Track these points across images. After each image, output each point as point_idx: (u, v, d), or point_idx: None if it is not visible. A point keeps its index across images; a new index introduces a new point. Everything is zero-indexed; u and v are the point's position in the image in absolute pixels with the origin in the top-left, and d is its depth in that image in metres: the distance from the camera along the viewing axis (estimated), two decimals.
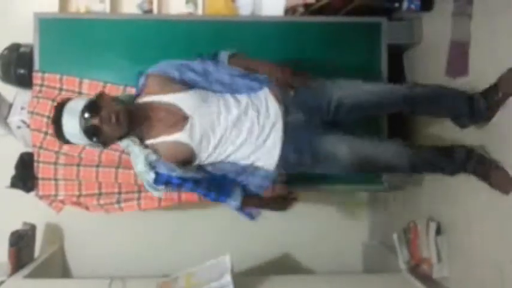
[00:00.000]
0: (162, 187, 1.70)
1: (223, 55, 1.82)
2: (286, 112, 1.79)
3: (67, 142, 1.61)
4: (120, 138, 1.67)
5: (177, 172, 1.66)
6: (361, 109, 1.84)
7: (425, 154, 1.87)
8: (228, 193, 1.76)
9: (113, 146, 2.30)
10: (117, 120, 1.56)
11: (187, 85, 1.74)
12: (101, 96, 1.64)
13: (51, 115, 1.62)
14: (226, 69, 1.80)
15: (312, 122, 1.80)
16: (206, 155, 1.73)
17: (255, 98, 1.78)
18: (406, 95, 1.85)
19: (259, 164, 1.78)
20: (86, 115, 1.53)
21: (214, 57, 1.83)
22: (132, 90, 2.34)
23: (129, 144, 1.68)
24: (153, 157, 1.65)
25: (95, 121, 1.54)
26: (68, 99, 1.62)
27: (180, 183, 1.69)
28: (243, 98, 1.77)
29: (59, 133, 1.57)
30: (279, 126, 1.75)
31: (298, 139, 1.77)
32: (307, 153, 1.77)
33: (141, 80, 1.76)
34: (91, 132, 1.55)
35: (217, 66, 1.79)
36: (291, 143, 1.76)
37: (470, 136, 1.97)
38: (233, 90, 1.78)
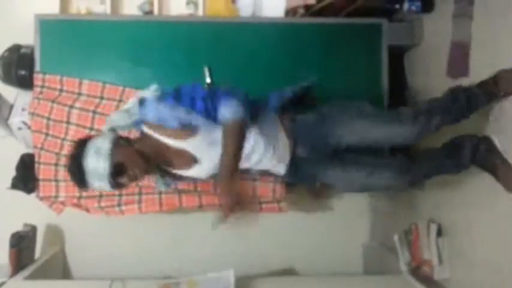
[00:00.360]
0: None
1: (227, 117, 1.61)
2: (295, 145, 1.86)
3: (82, 184, 1.59)
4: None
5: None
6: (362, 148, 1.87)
7: (426, 169, 1.88)
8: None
9: None
10: (140, 176, 1.63)
11: (191, 127, 1.64)
12: (119, 146, 1.61)
13: (70, 157, 1.60)
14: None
15: (314, 154, 1.87)
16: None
17: (265, 129, 1.78)
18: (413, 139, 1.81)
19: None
20: (115, 178, 1.58)
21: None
22: (131, 92, 2.35)
23: None
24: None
25: (124, 180, 1.61)
26: (89, 137, 1.64)
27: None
28: (251, 136, 1.72)
29: (76, 174, 1.57)
30: (287, 157, 1.86)
31: (301, 171, 1.88)
32: (310, 181, 1.96)
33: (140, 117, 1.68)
34: (116, 182, 1.61)
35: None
36: (295, 173, 1.89)
37: (480, 130, 1.95)
38: None
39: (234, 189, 1.52)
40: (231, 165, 1.54)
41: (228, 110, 1.54)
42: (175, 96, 1.59)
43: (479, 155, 1.82)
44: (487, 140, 1.84)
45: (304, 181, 2.02)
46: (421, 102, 1.96)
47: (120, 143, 1.63)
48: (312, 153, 1.86)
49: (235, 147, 1.56)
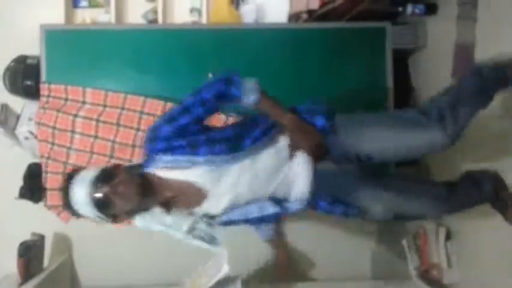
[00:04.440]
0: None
1: (248, 98, 1.44)
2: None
3: (76, 215, 1.43)
4: (135, 212, 1.47)
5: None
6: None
7: (457, 204, 1.75)
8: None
9: (120, 154, 2.35)
10: (129, 190, 1.38)
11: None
12: (115, 166, 1.46)
13: (61, 184, 1.45)
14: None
15: (342, 171, 1.64)
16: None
17: (277, 150, 1.52)
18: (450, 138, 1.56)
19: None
20: (97, 183, 1.36)
21: (227, 98, 1.46)
22: (133, 99, 2.36)
23: (150, 220, 1.53)
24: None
25: (105, 189, 1.36)
26: (79, 169, 1.45)
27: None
28: (262, 157, 1.49)
29: (67, 203, 1.41)
30: (307, 175, 1.52)
31: (326, 189, 1.60)
32: (342, 202, 1.63)
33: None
34: (100, 203, 1.36)
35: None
36: (322, 190, 1.58)
37: (487, 160, 1.94)
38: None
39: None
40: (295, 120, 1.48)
41: (248, 98, 1.43)
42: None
43: (495, 192, 1.77)
44: (499, 179, 1.80)
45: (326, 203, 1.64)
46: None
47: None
48: (339, 165, 1.62)
49: (279, 108, 1.48)
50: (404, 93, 2.54)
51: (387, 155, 1.58)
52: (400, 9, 2.41)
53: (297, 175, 1.52)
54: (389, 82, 2.41)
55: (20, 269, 2.38)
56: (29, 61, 2.50)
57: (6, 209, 2.66)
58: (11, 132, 2.53)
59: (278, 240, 1.90)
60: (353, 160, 1.59)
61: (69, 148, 2.35)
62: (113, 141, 2.36)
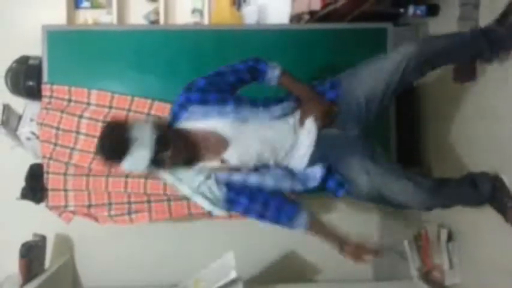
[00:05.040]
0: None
1: (273, 72, 1.70)
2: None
3: (116, 164, 1.51)
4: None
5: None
6: (389, 92, 1.74)
7: (445, 199, 1.77)
8: (288, 213, 1.72)
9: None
10: (179, 157, 1.54)
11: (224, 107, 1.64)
12: (162, 125, 1.56)
13: (115, 137, 1.50)
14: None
15: (344, 138, 1.73)
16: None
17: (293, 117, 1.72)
18: (427, 58, 1.72)
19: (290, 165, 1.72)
20: (158, 148, 1.47)
21: (255, 72, 1.70)
22: (140, 101, 2.37)
23: (170, 173, 1.63)
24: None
25: (167, 154, 1.49)
26: (125, 122, 1.54)
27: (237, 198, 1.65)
28: (282, 123, 1.69)
29: (116, 158, 1.48)
30: (312, 140, 1.69)
31: (325, 154, 1.70)
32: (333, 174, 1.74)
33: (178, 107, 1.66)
34: (156, 163, 1.50)
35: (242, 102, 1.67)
36: (317, 156, 1.70)
37: (488, 163, 1.92)
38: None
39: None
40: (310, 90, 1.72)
41: (271, 72, 1.69)
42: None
43: (494, 193, 1.77)
44: (499, 180, 1.79)
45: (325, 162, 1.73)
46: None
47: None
48: (342, 129, 1.73)
49: (301, 85, 1.72)
50: (406, 94, 2.54)
51: (377, 89, 1.71)
52: (402, 10, 2.41)
53: (302, 142, 1.68)
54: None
55: (22, 270, 2.38)
56: (30, 62, 2.51)
57: (8, 210, 2.67)
58: (13, 132, 2.53)
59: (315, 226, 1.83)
60: (359, 115, 1.72)
61: (73, 149, 2.35)
62: None
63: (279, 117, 1.69)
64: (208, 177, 1.62)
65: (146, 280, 2.81)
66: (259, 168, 1.67)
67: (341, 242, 1.78)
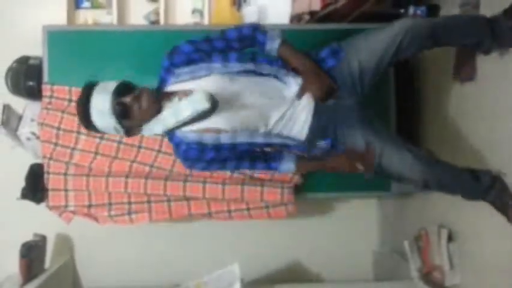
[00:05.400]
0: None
1: (272, 43, 1.60)
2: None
3: (90, 127, 1.53)
4: (149, 120, 1.56)
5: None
6: (384, 63, 1.72)
7: (444, 176, 1.75)
8: (276, 158, 1.69)
9: (124, 155, 2.36)
10: (148, 102, 1.50)
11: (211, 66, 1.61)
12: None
13: (78, 97, 1.53)
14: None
15: (341, 107, 1.69)
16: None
17: (288, 85, 1.66)
18: (426, 32, 1.68)
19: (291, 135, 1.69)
20: (118, 93, 1.48)
21: (251, 41, 1.62)
22: None
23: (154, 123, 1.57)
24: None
25: (127, 99, 1.49)
26: (95, 82, 1.55)
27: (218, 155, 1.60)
28: (275, 82, 1.64)
29: (85, 113, 1.49)
30: (309, 113, 1.65)
31: (322, 125, 1.68)
32: (329, 141, 1.71)
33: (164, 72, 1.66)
34: (120, 111, 1.48)
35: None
36: (315, 127, 1.67)
37: (490, 161, 1.91)
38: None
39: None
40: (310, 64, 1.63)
41: (271, 43, 1.59)
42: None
43: (494, 190, 1.76)
44: (500, 179, 1.79)
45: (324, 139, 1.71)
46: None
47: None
48: (338, 100, 1.68)
49: (298, 54, 1.63)
50: (407, 94, 2.54)
51: (371, 61, 1.68)
52: (402, 10, 2.41)
53: (298, 117, 1.64)
54: (391, 83, 2.41)
55: (22, 270, 2.38)
56: (31, 62, 2.51)
57: (8, 210, 2.68)
58: (13, 133, 2.54)
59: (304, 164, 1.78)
60: (352, 85, 1.69)
61: (73, 149, 2.36)
62: (119, 142, 2.37)
63: (272, 76, 1.63)
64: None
65: (146, 280, 2.81)
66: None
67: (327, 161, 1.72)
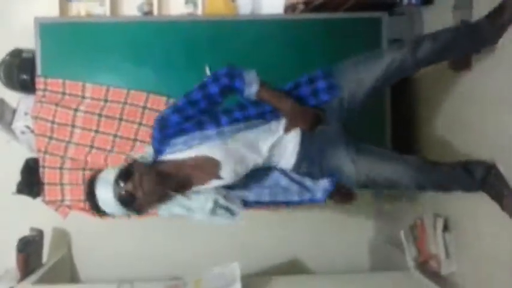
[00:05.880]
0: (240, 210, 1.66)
1: (250, 89, 1.59)
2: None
3: (104, 214, 1.54)
4: (157, 201, 1.58)
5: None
6: (372, 94, 1.75)
7: (437, 177, 1.77)
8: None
9: (120, 148, 2.35)
10: (149, 182, 1.49)
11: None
12: (133, 163, 1.57)
13: (85, 191, 1.54)
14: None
15: (327, 132, 1.73)
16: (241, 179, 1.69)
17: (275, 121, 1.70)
18: (414, 61, 1.73)
19: (279, 166, 1.74)
20: (119, 182, 1.48)
21: (230, 90, 1.61)
22: (135, 94, 2.36)
23: (171, 206, 1.61)
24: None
25: (128, 187, 1.47)
26: (98, 171, 1.55)
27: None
28: (264, 127, 1.68)
29: (94, 206, 1.51)
30: (297, 140, 1.70)
31: (310, 151, 1.72)
32: (317, 166, 1.74)
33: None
34: (125, 199, 1.48)
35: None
36: (303, 154, 1.71)
37: (484, 152, 1.91)
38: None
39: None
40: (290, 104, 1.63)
41: (248, 89, 1.58)
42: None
43: (489, 180, 1.77)
44: (495, 168, 1.79)
45: (312, 163, 1.75)
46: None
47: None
48: (325, 124, 1.71)
49: (278, 96, 1.63)
50: (401, 84, 2.53)
51: (360, 90, 1.72)
52: (397, 0, 2.39)
53: (288, 145, 1.69)
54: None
55: (20, 265, 2.38)
56: (24, 55, 2.49)
57: (4, 205, 2.67)
58: (8, 127, 2.52)
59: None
60: (339, 113, 1.72)
61: (68, 142, 2.35)
62: (115, 135, 2.36)
63: (261, 123, 1.66)
64: (216, 200, 1.60)
65: (143, 274, 2.81)
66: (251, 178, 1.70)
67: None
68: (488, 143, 1.91)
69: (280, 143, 1.68)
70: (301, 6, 2.49)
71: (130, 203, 1.49)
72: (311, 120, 1.64)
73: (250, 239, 2.86)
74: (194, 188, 1.62)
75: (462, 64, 2.05)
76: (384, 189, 1.82)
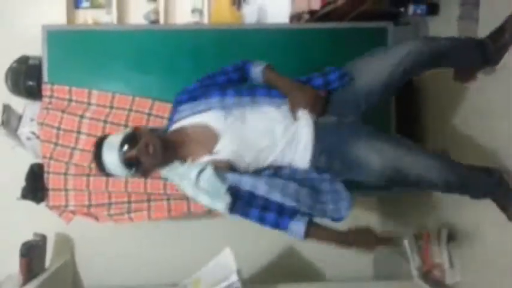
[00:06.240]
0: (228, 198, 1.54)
1: (256, 69, 1.73)
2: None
3: (109, 175, 1.63)
4: (160, 166, 1.65)
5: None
6: (390, 87, 1.73)
7: (462, 170, 1.69)
8: (288, 214, 1.56)
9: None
10: (154, 150, 1.57)
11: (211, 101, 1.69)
12: (137, 128, 1.66)
13: (92, 150, 1.64)
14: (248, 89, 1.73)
15: (344, 124, 1.68)
16: (245, 165, 1.64)
17: (284, 106, 1.70)
18: (427, 57, 1.71)
19: (294, 164, 1.66)
20: (124, 148, 1.56)
21: (242, 71, 1.77)
22: (141, 101, 2.37)
23: (169, 171, 1.65)
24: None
25: (133, 153, 1.56)
26: (106, 135, 1.66)
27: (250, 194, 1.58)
28: (271, 108, 1.68)
29: (100, 167, 1.61)
30: (310, 129, 1.64)
31: (328, 143, 1.64)
32: (337, 159, 1.64)
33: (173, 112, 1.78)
34: (130, 163, 1.57)
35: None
36: (321, 146, 1.64)
37: (488, 160, 1.91)
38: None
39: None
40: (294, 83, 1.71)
41: (255, 68, 1.72)
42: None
43: (500, 189, 1.75)
44: (502, 177, 1.78)
45: (332, 157, 1.66)
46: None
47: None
48: (340, 118, 1.69)
49: (285, 79, 1.71)
50: (406, 93, 2.54)
51: (378, 82, 1.70)
52: (402, 9, 2.40)
53: (300, 135, 1.64)
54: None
55: (22, 269, 2.38)
56: (30, 62, 2.51)
57: (8, 210, 2.67)
58: (14, 132, 2.53)
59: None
60: (356, 106, 1.71)
61: (74, 148, 2.35)
62: None
63: (268, 103, 1.69)
64: (203, 169, 1.56)
65: (146, 280, 2.81)
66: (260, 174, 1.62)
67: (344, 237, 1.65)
68: (493, 151, 1.91)
69: (293, 135, 1.64)
70: (306, 16, 2.50)
71: (134, 166, 1.58)
72: (311, 96, 1.66)
73: (254, 247, 2.86)
74: (193, 159, 1.63)
75: (467, 76, 2.06)
76: (409, 186, 1.66)
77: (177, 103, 1.74)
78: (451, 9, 2.19)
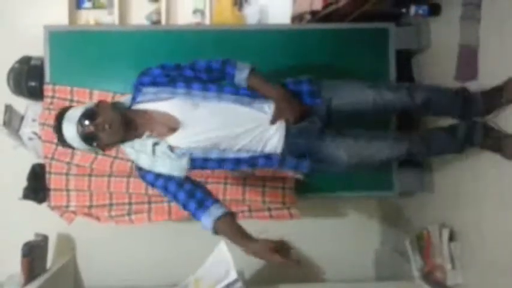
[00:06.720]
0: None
1: (241, 74, 1.68)
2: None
3: (69, 147, 1.66)
4: (119, 142, 1.68)
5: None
6: (360, 116, 1.83)
7: (421, 141, 1.83)
8: (206, 205, 1.63)
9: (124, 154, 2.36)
10: (111, 127, 1.59)
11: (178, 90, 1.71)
12: (99, 103, 1.68)
13: (53, 124, 1.67)
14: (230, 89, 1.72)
15: (311, 128, 1.75)
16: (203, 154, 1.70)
17: (256, 105, 1.72)
18: (410, 104, 1.82)
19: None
20: (83, 122, 1.59)
21: (221, 74, 1.71)
22: None
23: (127, 147, 1.70)
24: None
25: (90, 128, 1.59)
26: (68, 107, 1.69)
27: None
28: (237, 105, 1.70)
29: (60, 139, 1.64)
30: (281, 133, 1.71)
31: (296, 145, 1.74)
32: (306, 158, 1.77)
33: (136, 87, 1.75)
34: (88, 138, 1.60)
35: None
36: (290, 149, 1.74)
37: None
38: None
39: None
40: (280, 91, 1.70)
41: (240, 75, 1.67)
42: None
43: (476, 136, 1.82)
44: (482, 123, 1.85)
45: (302, 157, 1.77)
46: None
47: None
48: (308, 123, 1.76)
49: (267, 83, 1.71)
50: None
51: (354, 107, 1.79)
52: (404, 10, 2.40)
53: (272, 136, 1.70)
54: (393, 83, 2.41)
55: (24, 269, 2.38)
56: (32, 62, 2.51)
57: (10, 210, 2.67)
58: (15, 133, 2.54)
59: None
60: (331, 114, 1.78)
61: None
62: None
63: (233, 101, 1.69)
64: (157, 142, 1.64)
65: (147, 280, 2.81)
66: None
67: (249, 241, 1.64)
68: None
69: (263, 136, 1.69)
70: (308, 16, 2.50)
71: (92, 141, 1.61)
72: (297, 111, 1.69)
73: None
74: (150, 135, 1.67)
75: (468, 73, 2.06)
76: (376, 168, 1.89)
77: (140, 84, 1.70)
78: (453, 10, 2.19)
